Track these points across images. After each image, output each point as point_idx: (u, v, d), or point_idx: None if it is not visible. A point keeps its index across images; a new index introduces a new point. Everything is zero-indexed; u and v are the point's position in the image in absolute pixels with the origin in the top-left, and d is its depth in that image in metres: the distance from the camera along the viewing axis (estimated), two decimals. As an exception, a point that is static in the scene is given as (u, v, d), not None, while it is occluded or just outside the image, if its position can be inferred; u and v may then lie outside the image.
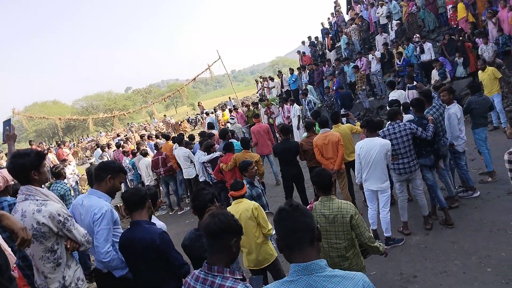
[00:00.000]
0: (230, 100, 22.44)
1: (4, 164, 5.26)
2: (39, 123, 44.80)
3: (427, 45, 11.99)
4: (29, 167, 2.70)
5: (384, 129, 5.35)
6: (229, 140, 7.70)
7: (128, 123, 33.22)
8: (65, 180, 6.75)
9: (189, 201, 8.35)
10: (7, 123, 3.41)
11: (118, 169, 3.22)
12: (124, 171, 3.36)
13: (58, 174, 6.28)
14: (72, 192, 9.78)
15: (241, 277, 1.99)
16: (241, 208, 4.00)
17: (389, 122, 5.39)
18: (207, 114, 18.42)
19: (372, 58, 13.22)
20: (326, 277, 1.55)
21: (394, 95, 9.37)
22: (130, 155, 10.78)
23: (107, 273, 3.09)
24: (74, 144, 27.37)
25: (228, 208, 4.17)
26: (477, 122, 6.39)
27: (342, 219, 3.23)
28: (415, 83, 9.56)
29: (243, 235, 3.81)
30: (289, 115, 12.75)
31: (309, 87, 14.43)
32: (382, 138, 5.15)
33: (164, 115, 28.85)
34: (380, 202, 5.22)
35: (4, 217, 2.27)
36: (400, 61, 12.12)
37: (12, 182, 3.55)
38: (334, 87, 13.45)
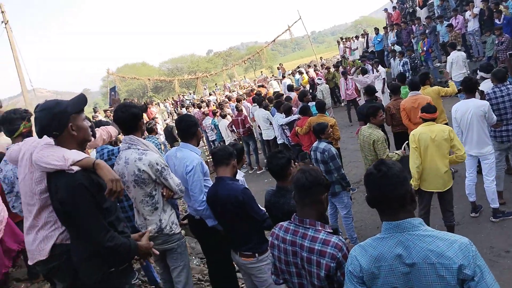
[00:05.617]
0: (322, 60, 22.08)
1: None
2: (130, 84, 47.73)
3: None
4: (139, 116, 2.99)
5: (490, 91, 4.85)
6: (308, 103, 7.65)
7: (219, 84, 33.30)
8: (156, 136, 7.36)
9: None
10: (112, 89, 3.88)
11: (197, 121, 3.63)
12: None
13: (151, 129, 6.91)
14: (162, 147, 10.85)
15: (332, 230, 2.00)
16: (436, 129, 4.09)
17: (495, 84, 4.86)
18: (283, 76, 18.21)
19: (470, 15, 11.86)
20: (419, 236, 1.52)
21: (453, 55, 9.50)
22: (212, 115, 11.42)
23: (199, 219, 3.36)
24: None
25: (420, 127, 4.24)
26: None
27: (369, 140, 4.78)
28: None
29: (435, 156, 4.07)
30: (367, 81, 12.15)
31: (397, 47, 13.50)
32: (487, 101, 4.69)
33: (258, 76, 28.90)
34: (483, 170, 4.77)
35: (98, 166, 2.22)
36: (500, 20, 10.62)
37: (114, 138, 3.88)
38: (425, 48, 12.47)
